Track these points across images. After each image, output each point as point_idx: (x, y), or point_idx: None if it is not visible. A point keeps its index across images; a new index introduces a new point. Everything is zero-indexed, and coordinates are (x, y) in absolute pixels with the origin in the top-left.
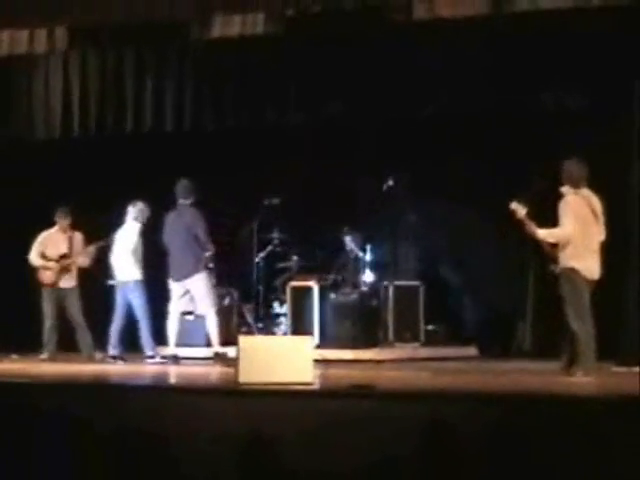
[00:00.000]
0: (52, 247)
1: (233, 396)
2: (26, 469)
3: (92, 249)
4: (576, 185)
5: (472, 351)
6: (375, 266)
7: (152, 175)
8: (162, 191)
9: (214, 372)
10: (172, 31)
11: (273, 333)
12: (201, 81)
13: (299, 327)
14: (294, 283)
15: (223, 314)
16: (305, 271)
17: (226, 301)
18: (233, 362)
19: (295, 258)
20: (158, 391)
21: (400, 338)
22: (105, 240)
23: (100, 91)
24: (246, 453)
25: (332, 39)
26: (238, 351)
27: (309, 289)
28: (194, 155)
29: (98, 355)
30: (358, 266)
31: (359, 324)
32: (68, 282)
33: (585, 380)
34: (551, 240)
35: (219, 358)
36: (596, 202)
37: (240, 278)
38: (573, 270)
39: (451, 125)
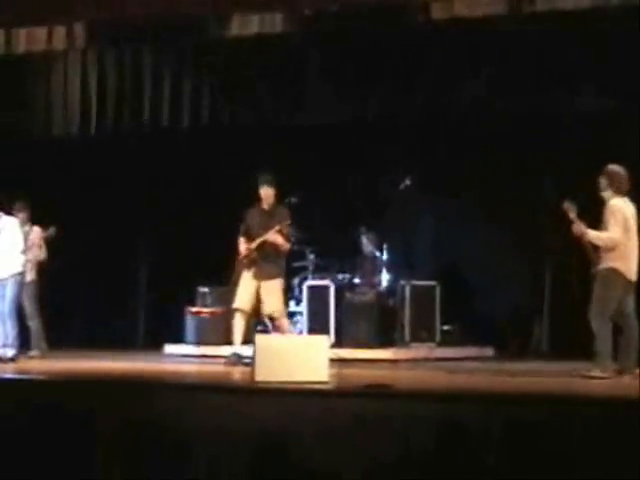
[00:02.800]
0: None
1: (249, 394)
2: (47, 466)
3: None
4: (621, 191)
5: (488, 351)
6: (392, 266)
7: (169, 171)
8: (180, 187)
9: (231, 371)
10: (190, 29)
11: (289, 332)
12: (218, 79)
13: (315, 326)
14: (310, 282)
15: None
16: (321, 270)
17: None
18: (245, 363)
19: (312, 257)
20: (175, 389)
21: (416, 338)
22: (52, 230)
23: (118, 88)
24: (261, 451)
25: (350, 38)
26: (254, 350)
27: (325, 288)
28: (210, 153)
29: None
30: (375, 266)
31: (375, 324)
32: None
33: (601, 378)
34: (599, 243)
35: (232, 359)
36: (633, 208)
37: None
38: (615, 270)
39: (469, 125)
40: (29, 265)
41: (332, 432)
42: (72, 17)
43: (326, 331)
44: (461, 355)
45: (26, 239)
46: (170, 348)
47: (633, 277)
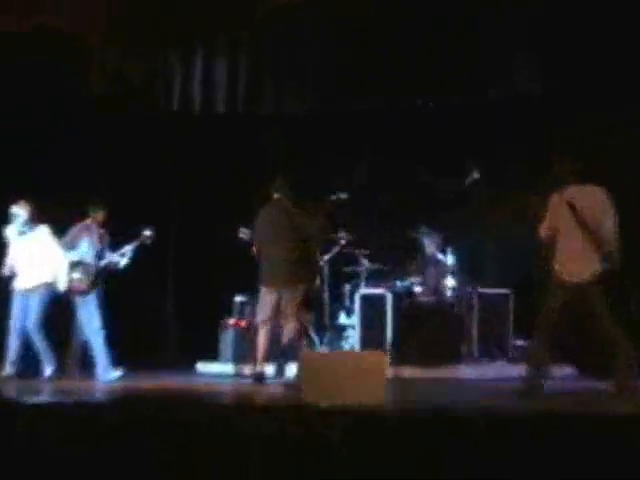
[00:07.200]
0: None
1: (298, 416)
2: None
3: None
4: (564, 181)
5: (569, 370)
6: (457, 271)
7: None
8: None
9: (277, 391)
10: None
11: (340, 348)
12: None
13: (369, 341)
14: (364, 290)
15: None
16: (376, 276)
17: None
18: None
19: (365, 261)
20: (218, 409)
21: (486, 353)
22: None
23: None
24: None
25: (425, 21)
26: (301, 369)
27: (381, 297)
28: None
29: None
30: (438, 271)
31: (439, 337)
32: None
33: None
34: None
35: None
36: (585, 197)
37: None
38: (555, 276)
39: (538, 119)
40: None
41: (389, 457)
42: None
43: (382, 346)
44: None
45: (102, 241)
46: (202, 366)
47: (571, 278)
